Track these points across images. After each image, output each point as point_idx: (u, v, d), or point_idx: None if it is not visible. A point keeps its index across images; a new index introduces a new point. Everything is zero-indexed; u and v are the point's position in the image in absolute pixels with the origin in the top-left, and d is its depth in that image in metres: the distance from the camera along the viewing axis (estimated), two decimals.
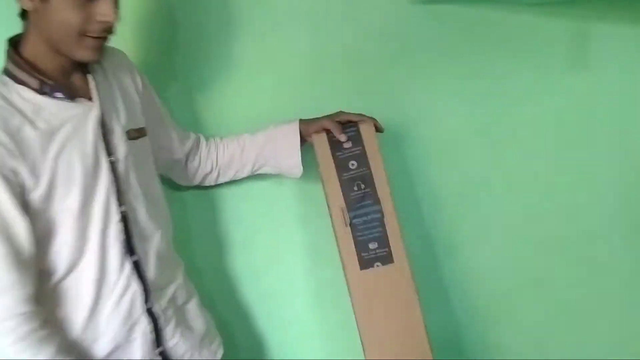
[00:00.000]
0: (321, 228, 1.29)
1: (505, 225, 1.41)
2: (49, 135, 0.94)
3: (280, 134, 1.24)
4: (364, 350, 1.15)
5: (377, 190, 1.18)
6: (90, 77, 1.03)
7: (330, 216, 1.20)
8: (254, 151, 1.26)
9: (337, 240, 1.19)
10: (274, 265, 1.39)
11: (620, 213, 1.41)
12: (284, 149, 1.24)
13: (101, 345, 1.02)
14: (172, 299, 1.12)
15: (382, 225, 1.18)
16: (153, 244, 1.08)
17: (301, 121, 1.24)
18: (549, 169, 1.40)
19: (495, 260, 1.41)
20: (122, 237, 1.02)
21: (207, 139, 1.29)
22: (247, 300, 1.40)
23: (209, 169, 1.28)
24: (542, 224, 1.42)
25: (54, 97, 0.96)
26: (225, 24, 1.29)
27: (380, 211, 1.18)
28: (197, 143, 1.28)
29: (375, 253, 1.17)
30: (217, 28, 1.30)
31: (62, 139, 0.95)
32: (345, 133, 1.20)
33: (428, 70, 1.36)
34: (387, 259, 1.17)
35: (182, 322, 1.13)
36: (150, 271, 1.06)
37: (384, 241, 1.17)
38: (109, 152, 1.02)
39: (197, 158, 1.27)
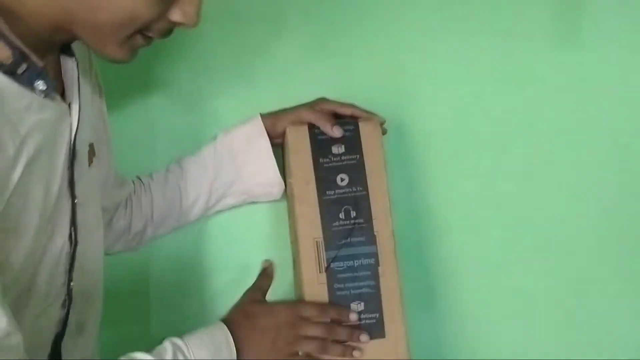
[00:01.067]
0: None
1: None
2: (18, 147, 0.51)
3: (239, 141, 0.81)
4: None
5: (375, 222, 0.77)
6: (68, 63, 0.61)
7: (296, 254, 0.79)
8: (206, 180, 0.82)
9: (301, 291, 0.78)
10: None
11: (615, 207, 0.97)
12: (250, 163, 0.81)
13: None
14: None
15: (376, 277, 0.76)
16: (87, 340, 0.69)
17: (264, 116, 0.82)
18: (536, 164, 0.96)
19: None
20: (58, 328, 0.63)
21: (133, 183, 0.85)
22: None
23: (140, 225, 0.82)
24: (534, 223, 0.96)
25: (27, 86, 0.52)
26: None
27: (376, 255, 0.77)
28: (132, 193, 0.83)
29: (360, 319, 0.76)
30: None
31: (28, 157, 0.52)
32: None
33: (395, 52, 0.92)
34: (376, 329, 0.75)
35: None
36: None
37: (374, 302, 0.76)
38: (73, 188, 0.61)
39: (127, 214, 0.82)
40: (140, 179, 0.85)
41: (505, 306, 0.95)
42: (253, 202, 0.87)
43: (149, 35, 0.57)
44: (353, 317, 0.74)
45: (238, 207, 0.87)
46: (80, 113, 0.61)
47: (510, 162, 0.94)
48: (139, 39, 0.57)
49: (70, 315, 0.64)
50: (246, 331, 0.70)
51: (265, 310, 0.73)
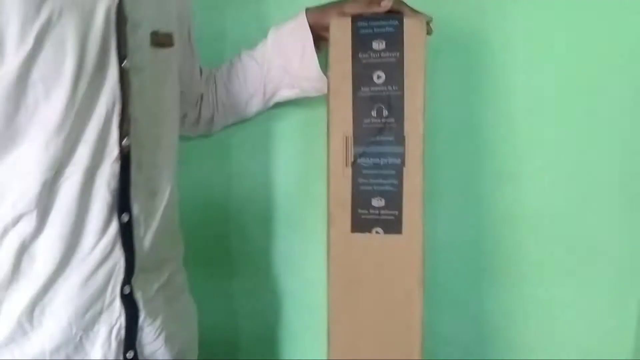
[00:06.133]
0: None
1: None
2: None
3: (285, 36, 0.85)
4: (328, 347, 0.81)
5: (406, 123, 0.78)
6: None
7: (328, 148, 0.81)
8: (259, 74, 0.88)
9: (327, 185, 0.81)
10: None
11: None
12: (294, 55, 0.85)
13: (43, 337, 0.67)
14: (165, 287, 0.78)
15: (400, 176, 0.79)
16: (159, 204, 0.74)
17: (310, 10, 0.83)
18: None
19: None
20: (114, 183, 0.67)
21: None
22: None
23: (208, 114, 0.93)
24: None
25: None
26: None
27: (402, 156, 0.78)
28: (207, 79, 0.93)
29: (379, 213, 0.79)
30: None
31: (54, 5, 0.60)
32: (381, 24, 0.78)
33: None
34: (393, 226, 0.79)
35: (172, 321, 0.78)
36: (146, 241, 0.72)
37: (395, 200, 0.79)
38: (123, 53, 0.66)
39: (204, 99, 0.93)
40: (209, 70, 0.93)
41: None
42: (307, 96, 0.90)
43: None
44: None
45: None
46: None
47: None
48: None
49: (132, 173, 0.69)
50: None
51: None
